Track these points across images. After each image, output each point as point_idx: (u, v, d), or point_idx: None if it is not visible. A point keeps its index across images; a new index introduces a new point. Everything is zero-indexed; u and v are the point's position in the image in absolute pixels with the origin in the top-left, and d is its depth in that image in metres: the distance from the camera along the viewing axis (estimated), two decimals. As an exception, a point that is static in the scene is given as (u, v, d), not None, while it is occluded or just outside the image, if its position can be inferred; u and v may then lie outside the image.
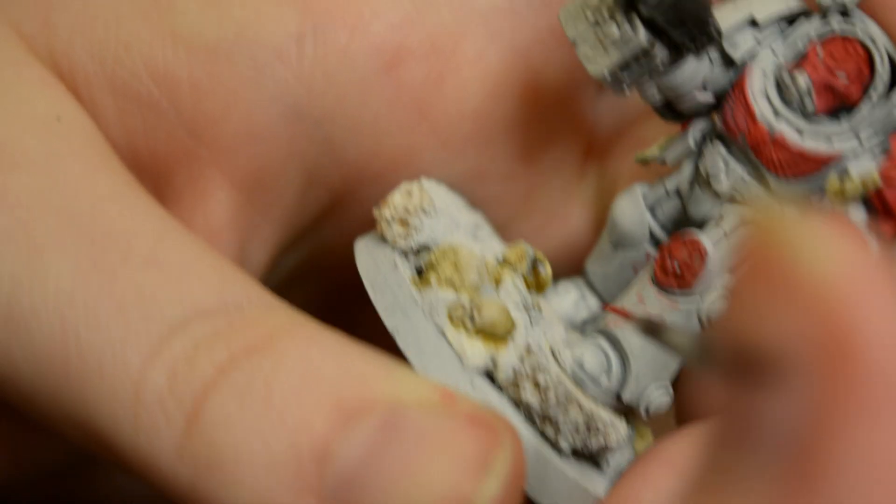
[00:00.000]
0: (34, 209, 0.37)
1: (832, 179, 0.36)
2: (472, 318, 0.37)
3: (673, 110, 0.39)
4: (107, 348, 0.36)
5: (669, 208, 0.40)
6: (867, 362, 0.23)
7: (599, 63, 0.35)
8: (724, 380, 0.25)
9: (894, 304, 0.23)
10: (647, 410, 0.39)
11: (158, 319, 0.36)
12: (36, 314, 0.36)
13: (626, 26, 0.34)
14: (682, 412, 0.42)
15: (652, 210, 0.40)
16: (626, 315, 0.38)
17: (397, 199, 0.40)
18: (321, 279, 0.47)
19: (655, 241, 0.41)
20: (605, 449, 0.39)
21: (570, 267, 0.45)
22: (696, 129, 0.39)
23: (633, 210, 0.40)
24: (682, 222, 0.40)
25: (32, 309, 0.36)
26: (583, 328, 0.44)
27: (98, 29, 0.41)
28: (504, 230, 0.45)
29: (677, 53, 0.36)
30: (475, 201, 0.44)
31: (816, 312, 0.23)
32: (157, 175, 0.42)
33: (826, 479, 0.24)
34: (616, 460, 0.41)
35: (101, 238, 0.37)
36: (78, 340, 0.36)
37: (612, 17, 0.34)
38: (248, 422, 0.34)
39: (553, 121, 0.43)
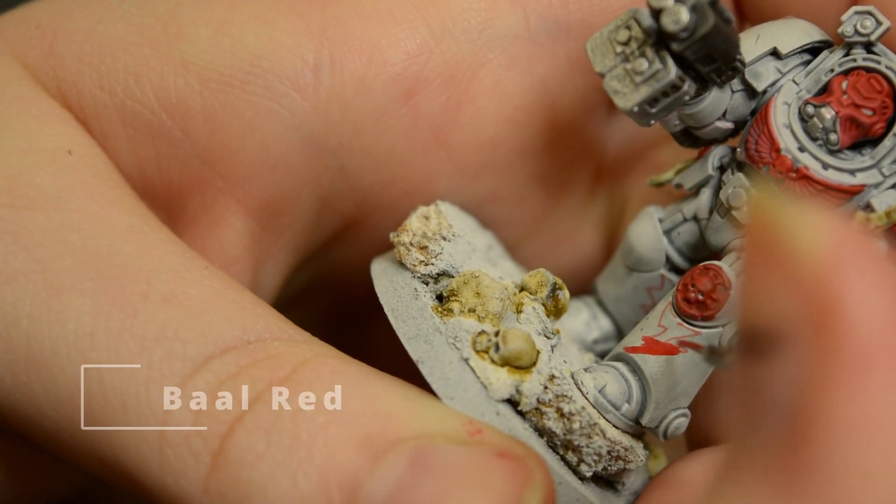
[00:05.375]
0: (51, 248, 0.36)
1: (858, 214, 0.36)
2: (496, 348, 0.37)
3: (691, 136, 0.39)
4: (130, 388, 0.35)
5: (686, 233, 0.40)
6: (848, 330, 0.26)
7: (628, 98, 0.35)
8: (740, 359, 0.28)
9: (876, 278, 0.26)
10: (665, 434, 0.39)
11: (181, 357, 0.36)
12: (57, 355, 0.36)
13: (657, 62, 0.34)
14: (694, 435, 0.42)
15: (668, 234, 0.40)
16: (664, 351, 0.38)
17: (415, 225, 0.39)
18: (332, 294, 0.47)
19: (671, 265, 0.41)
20: (623, 471, 0.40)
21: (579, 285, 0.46)
22: (716, 156, 0.39)
23: (651, 235, 0.40)
24: (699, 247, 0.40)
25: (53, 349, 0.36)
26: (594, 347, 0.44)
27: (106, 58, 0.40)
28: (515, 249, 0.45)
29: (703, 87, 0.36)
30: (488, 222, 0.44)
31: (806, 288, 0.26)
32: (170, 202, 0.42)
33: (819, 438, 0.26)
34: (631, 480, 0.41)
35: (119, 276, 0.36)
36: (101, 380, 0.35)
37: (642, 52, 0.34)
38: (275, 458, 0.34)
39: (567, 144, 0.43)
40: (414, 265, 0.39)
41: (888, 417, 0.26)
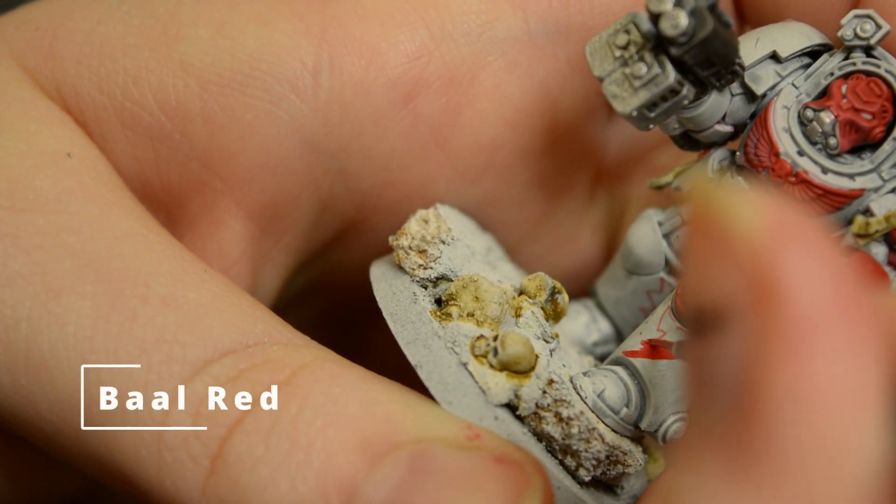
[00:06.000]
0: (50, 251, 0.36)
1: (858, 218, 0.36)
2: (495, 353, 0.37)
3: (690, 140, 0.39)
4: (129, 391, 0.35)
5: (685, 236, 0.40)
6: (789, 303, 0.26)
7: (627, 102, 0.35)
8: (689, 341, 0.28)
9: (814, 251, 0.26)
10: (664, 438, 0.39)
11: (180, 361, 0.36)
12: (56, 358, 0.36)
13: (656, 66, 0.34)
14: None
15: (667, 237, 0.40)
16: (657, 354, 0.38)
17: (414, 228, 0.39)
18: (331, 296, 0.47)
19: (671, 268, 0.41)
20: (622, 475, 0.39)
21: (579, 288, 0.46)
22: (716, 159, 0.39)
23: (650, 238, 0.40)
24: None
25: (52, 353, 0.36)
26: (593, 350, 0.44)
27: (105, 60, 0.40)
28: (515, 252, 0.45)
29: (702, 91, 0.36)
30: (487, 225, 0.44)
31: (746, 265, 0.27)
32: (169, 205, 0.42)
33: (768, 411, 0.27)
34: (630, 484, 0.41)
35: (119, 279, 0.36)
36: (100, 383, 0.35)
37: (640, 56, 0.34)
38: (274, 461, 0.34)
39: (567, 147, 0.43)
40: (413, 269, 0.39)
41: (832, 384, 0.27)
